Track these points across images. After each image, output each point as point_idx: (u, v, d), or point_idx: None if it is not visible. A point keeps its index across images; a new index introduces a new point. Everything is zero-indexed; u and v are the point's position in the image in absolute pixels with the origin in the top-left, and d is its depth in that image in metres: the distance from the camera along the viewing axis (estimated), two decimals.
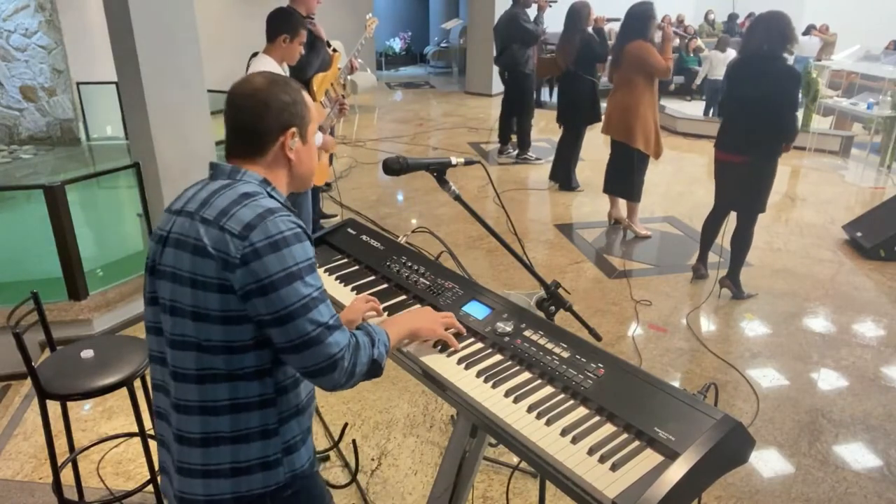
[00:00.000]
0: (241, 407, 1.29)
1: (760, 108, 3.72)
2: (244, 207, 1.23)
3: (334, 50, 4.52)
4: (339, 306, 1.75)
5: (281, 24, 3.35)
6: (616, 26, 5.28)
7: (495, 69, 8.03)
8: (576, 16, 5.85)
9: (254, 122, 1.32)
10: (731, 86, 3.99)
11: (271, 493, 1.34)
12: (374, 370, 1.36)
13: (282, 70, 3.40)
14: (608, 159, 5.25)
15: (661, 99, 9.37)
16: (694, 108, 10.33)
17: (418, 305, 1.73)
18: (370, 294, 1.77)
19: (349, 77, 6.79)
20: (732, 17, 14.13)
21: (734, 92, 3.95)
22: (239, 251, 1.19)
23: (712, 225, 4.30)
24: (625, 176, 5.08)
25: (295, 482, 1.38)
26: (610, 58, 5.34)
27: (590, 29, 5.97)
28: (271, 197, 1.31)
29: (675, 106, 10.14)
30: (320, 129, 4.21)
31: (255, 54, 3.49)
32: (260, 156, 1.33)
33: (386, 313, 1.71)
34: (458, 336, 1.58)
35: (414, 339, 1.55)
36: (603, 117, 5.21)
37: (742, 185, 3.95)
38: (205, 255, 1.22)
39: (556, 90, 7.20)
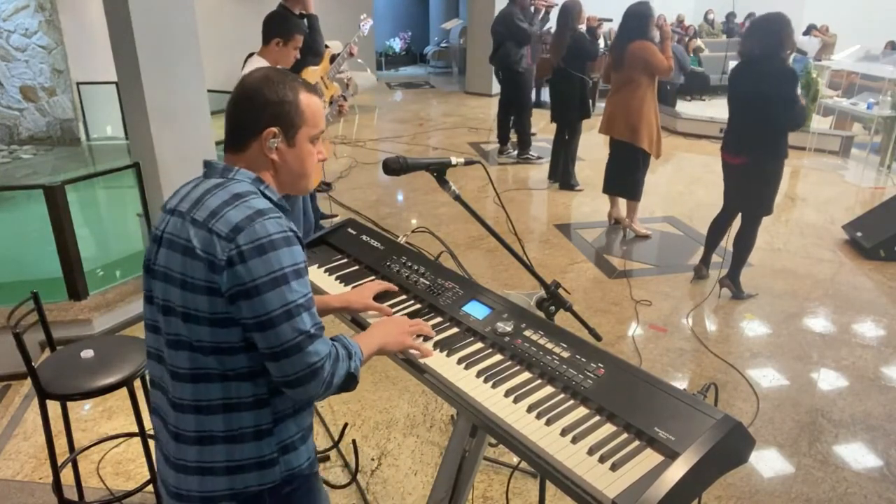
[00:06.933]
0: (234, 406, 1.29)
1: (758, 110, 3.76)
2: (234, 209, 1.22)
3: (326, 46, 4.52)
4: None
5: (275, 28, 3.35)
6: (610, 27, 5.30)
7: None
8: (566, 14, 5.92)
9: (237, 116, 1.32)
10: (731, 89, 4.04)
11: (269, 490, 1.34)
12: (349, 383, 1.34)
13: None
14: (608, 159, 5.25)
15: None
16: (694, 108, 10.32)
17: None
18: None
19: (347, 76, 6.78)
20: (730, 16, 14.12)
21: (734, 94, 4.00)
22: (225, 253, 1.19)
23: (719, 227, 4.29)
24: (626, 175, 5.07)
25: (293, 480, 1.38)
26: (606, 58, 5.34)
27: (582, 28, 5.99)
28: (265, 196, 1.30)
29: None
30: None
31: (250, 55, 3.49)
32: (242, 151, 1.32)
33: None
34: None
35: (383, 353, 1.51)
36: (601, 116, 5.20)
37: (744, 187, 3.99)
38: (194, 257, 1.22)
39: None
